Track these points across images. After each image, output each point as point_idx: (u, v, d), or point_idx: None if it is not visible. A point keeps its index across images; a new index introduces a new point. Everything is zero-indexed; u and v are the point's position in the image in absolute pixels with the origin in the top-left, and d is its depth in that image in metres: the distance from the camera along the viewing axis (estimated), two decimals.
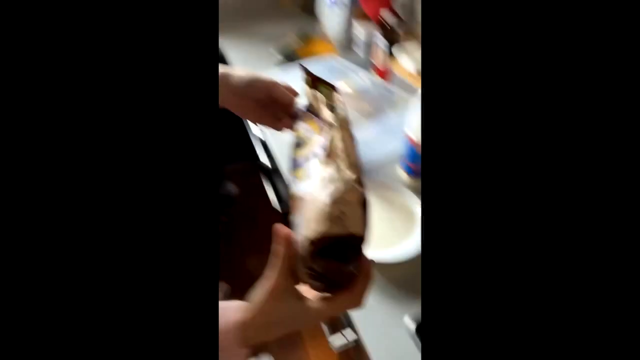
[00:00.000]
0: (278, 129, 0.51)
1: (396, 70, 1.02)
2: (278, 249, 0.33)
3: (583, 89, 0.23)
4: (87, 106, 0.24)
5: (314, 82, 0.43)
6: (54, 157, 0.24)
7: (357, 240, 0.30)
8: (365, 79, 0.99)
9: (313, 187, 0.31)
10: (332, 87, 0.42)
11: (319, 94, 0.41)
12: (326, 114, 0.37)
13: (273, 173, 0.93)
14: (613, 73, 0.23)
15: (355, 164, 0.32)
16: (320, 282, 0.32)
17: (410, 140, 0.73)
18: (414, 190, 0.77)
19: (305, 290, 0.35)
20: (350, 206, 0.29)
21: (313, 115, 0.40)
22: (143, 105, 0.25)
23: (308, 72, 0.43)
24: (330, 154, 0.33)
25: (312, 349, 1.29)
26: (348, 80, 1.04)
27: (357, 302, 0.35)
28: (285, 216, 0.87)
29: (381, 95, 0.96)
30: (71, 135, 0.24)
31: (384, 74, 1.03)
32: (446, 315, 0.25)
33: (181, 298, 0.26)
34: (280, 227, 0.33)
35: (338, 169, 0.32)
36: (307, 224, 0.29)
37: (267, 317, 0.34)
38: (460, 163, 0.25)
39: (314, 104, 0.41)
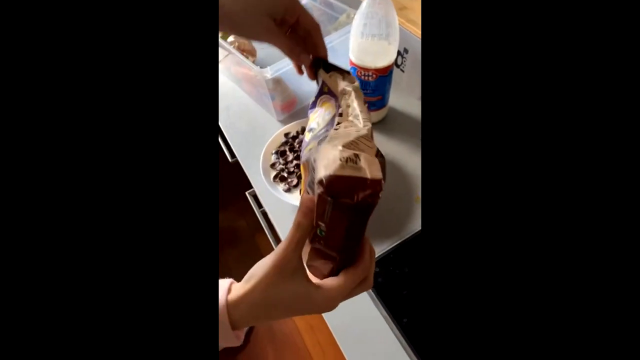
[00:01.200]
0: (295, 56, 0.43)
1: None
2: (297, 218, 0.30)
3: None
4: (81, 95, 0.24)
5: (329, 69, 0.43)
6: (53, 153, 0.23)
7: (371, 187, 0.26)
8: None
9: (327, 140, 0.30)
10: (347, 73, 0.41)
11: (333, 76, 0.42)
12: (341, 83, 0.39)
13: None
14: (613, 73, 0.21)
15: (368, 122, 0.32)
16: (326, 259, 0.31)
17: (352, 64, 0.64)
18: None
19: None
20: (365, 153, 0.28)
21: (329, 97, 0.41)
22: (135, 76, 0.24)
23: (322, 62, 0.43)
24: (343, 114, 0.34)
25: None
26: None
27: (365, 272, 0.32)
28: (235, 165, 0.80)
29: (323, 13, 0.84)
30: (63, 121, 0.23)
31: None
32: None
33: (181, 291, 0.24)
34: (306, 197, 0.30)
35: (352, 124, 0.32)
36: (318, 171, 0.27)
37: (266, 296, 0.30)
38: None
39: (329, 82, 0.41)
